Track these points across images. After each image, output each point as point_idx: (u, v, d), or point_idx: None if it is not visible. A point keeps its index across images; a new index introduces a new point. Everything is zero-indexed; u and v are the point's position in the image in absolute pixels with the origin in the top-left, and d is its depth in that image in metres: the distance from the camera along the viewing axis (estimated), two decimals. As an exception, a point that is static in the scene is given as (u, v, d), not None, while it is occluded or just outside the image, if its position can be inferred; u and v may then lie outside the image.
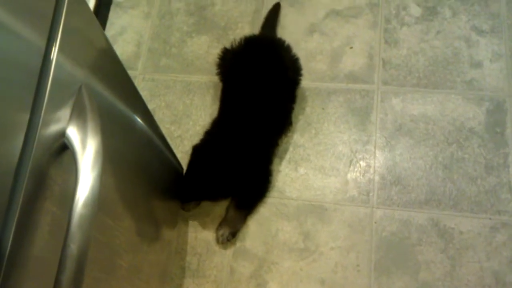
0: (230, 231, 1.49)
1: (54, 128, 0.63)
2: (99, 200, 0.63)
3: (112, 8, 1.91)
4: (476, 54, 1.70)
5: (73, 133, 0.63)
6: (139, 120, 1.05)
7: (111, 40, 0.87)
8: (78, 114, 0.65)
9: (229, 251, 1.50)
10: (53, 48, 0.65)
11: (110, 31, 1.86)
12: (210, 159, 1.39)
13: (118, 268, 0.95)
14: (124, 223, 0.96)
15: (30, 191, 0.61)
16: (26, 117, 0.60)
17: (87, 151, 0.63)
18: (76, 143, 0.63)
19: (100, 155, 0.64)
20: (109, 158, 0.83)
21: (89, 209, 0.61)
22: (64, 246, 0.59)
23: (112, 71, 0.89)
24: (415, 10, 1.79)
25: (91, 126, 0.64)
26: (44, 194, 0.63)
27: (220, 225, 1.51)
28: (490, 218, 1.48)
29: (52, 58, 0.65)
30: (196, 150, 1.44)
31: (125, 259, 0.99)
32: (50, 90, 0.63)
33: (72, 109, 0.66)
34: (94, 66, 0.78)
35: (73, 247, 0.59)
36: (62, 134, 0.64)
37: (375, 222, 1.50)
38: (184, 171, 1.47)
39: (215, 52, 1.73)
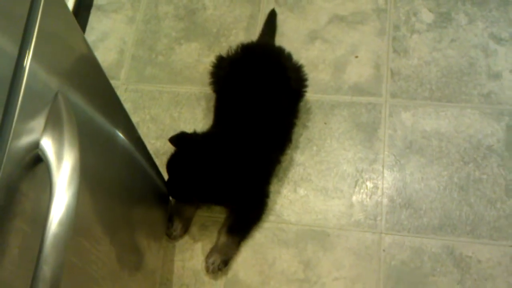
0: (222, 259, 1.50)
1: (27, 139, 0.65)
2: (75, 218, 0.65)
3: (93, 11, 1.95)
4: (495, 65, 1.74)
5: (47, 144, 0.65)
6: (120, 134, 1.07)
7: (91, 47, 0.89)
8: (54, 124, 0.67)
9: (220, 282, 1.51)
10: (27, 55, 0.67)
11: (90, 36, 1.90)
12: (202, 168, 1.40)
13: (95, 298, 0.96)
14: (103, 247, 0.97)
15: None
16: (-4, 127, 0.62)
17: (63, 164, 0.65)
18: (50, 155, 0.65)
19: (77, 168, 0.66)
20: (87, 175, 0.85)
21: (65, 227, 0.63)
22: (37, 267, 0.61)
23: (92, 80, 0.91)
24: (427, 16, 1.83)
25: (67, 137, 0.66)
26: (15, 211, 0.65)
27: (211, 253, 1.52)
28: (511, 246, 1.49)
29: (25, 65, 0.66)
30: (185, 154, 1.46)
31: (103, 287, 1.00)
32: (22, 99, 0.65)
33: (47, 118, 0.68)
34: (72, 75, 0.80)
35: (46, 269, 0.60)
36: (36, 145, 0.66)
37: (384, 250, 1.52)
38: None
39: (206, 61, 1.77)
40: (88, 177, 0.85)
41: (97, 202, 0.94)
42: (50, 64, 0.72)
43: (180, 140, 1.47)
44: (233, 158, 1.42)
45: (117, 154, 1.07)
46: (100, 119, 0.95)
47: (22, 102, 0.65)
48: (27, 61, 0.67)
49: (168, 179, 1.47)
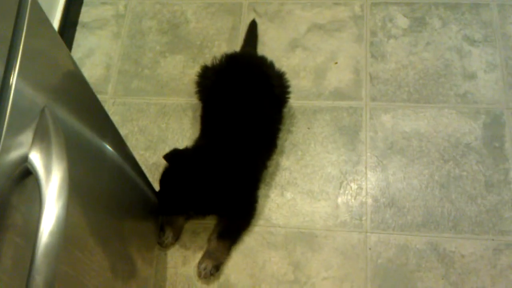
0: (213, 264, 1.50)
1: (16, 153, 0.66)
2: (66, 228, 0.65)
3: (78, 29, 1.95)
4: (469, 65, 1.76)
5: (36, 157, 0.66)
6: (108, 146, 1.07)
7: (78, 64, 0.90)
8: (41, 138, 0.67)
9: (213, 287, 1.51)
10: (12, 72, 0.67)
11: (77, 53, 1.90)
12: (192, 178, 1.41)
13: (89, 307, 0.96)
14: (95, 257, 0.98)
15: (-9, 222, 0.63)
16: (-16, 144, 0.62)
17: (52, 176, 0.65)
18: (39, 168, 0.65)
19: (66, 180, 0.67)
20: (76, 187, 0.85)
21: (55, 238, 0.63)
22: (29, 278, 0.61)
23: (78, 95, 0.92)
24: (402, 22, 1.86)
25: (55, 150, 0.67)
26: (6, 224, 0.65)
27: (202, 258, 1.52)
28: (492, 239, 1.51)
29: (12, 83, 0.67)
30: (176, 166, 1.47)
31: (97, 297, 1.00)
32: (10, 115, 0.65)
33: (35, 132, 0.68)
34: (58, 90, 0.80)
35: (39, 279, 0.61)
36: (25, 159, 0.67)
37: (370, 248, 1.53)
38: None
39: (191, 72, 1.78)
40: (77, 189, 0.86)
41: (88, 212, 0.95)
42: (36, 81, 0.73)
43: (173, 156, 1.48)
44: (223, 168, 1.43)
45: (105, 166, 1.07)
46: (88, 132, 0.95)
47: (9, 117, 0.65)
48: (13, 79, 0.67)
49: (160, 192, 1.47)
